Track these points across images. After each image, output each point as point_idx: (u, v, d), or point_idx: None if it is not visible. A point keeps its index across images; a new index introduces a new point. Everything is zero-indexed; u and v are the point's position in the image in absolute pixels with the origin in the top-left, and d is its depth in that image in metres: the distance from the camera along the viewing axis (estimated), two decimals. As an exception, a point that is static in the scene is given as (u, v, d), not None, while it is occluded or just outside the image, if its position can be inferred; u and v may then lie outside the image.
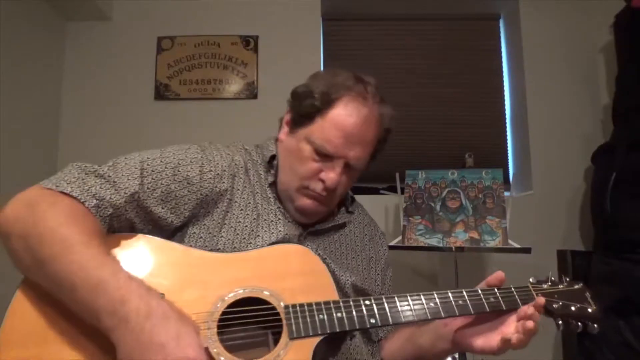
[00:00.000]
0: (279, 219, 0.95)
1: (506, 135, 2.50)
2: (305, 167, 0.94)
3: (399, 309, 0.82)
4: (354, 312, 0.80)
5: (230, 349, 0.73)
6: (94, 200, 0.78)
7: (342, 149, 0.93)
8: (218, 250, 0.87)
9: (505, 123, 2.50)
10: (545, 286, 0.90)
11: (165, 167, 0.88)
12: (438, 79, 2.52)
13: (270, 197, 0.98)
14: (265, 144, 1.05)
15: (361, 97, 0.95)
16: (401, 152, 2.47)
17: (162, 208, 0.86)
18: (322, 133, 0.93)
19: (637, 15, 1.95)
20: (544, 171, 2.27)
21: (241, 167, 0.97)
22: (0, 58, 1.87)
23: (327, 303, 0.80)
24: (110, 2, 2.38)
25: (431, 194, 1.93)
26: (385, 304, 0.82)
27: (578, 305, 0.86)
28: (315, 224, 1.01)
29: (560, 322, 0.84)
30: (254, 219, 0.93)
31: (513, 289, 0.87)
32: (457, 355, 1.66)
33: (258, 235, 0.90)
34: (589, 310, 0.86)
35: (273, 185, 0.99)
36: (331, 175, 0.93)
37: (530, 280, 0.91)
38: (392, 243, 1.90)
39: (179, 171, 0.88)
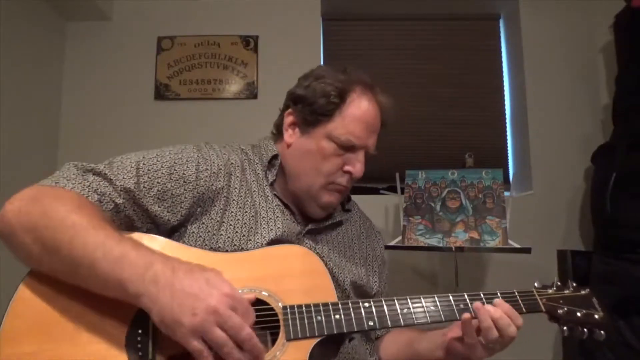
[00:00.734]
0: (277, 216, 0.95)
1: (506, 135, 2.50)
2: (330, 164, 0.97)
3: (399, 312, 0.82)
4: (353, 315, 0.80)
5: None
6: (96, 195, 0.81)
7: (365, 139, 0.98)
8: (218, 248, 0.88)
9: (505, 123, 2.50)
10: (550, 291, 0.89)
11: (162, 166, 0.89)
12: (438, 79, 2.52)
13: (268, 196, 0.98)
14: (262, 144, 1.06)
15: (368, 88, 1.00)
16: (401, 152, 2.47)
17: (159, 207, 0.87)
18: (346, 128, 0.96)
19: (637, 15, 1.95)
20: (544, 171, 2.27)
21: (237, 166, 0.98)
22: (0, 58, 1.87)
23: (325, 305, 0.80)
24: (110, 2, 2.38)
25: (431, 194, 1.93)
26: (385, 307, 0.82)
27: (584, 312, 0.84)
28: (314, 222, 1.02)
29: (565, 328, 0.83)
30: (252, 216, 0.93)
31: (517, 293, 0.87)
32: None
33: (257, 232, 0.91)
34: (596, 316, 0.85)
35: (273, 185, 1.00)
36: (358, 166, 0.98)
37: (535, 284, 0.90)
38: (392, 243, 1.90)
39: (175, 170, 0.89)
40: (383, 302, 0.83)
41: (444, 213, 1.88)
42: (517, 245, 1.72)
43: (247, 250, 0.88)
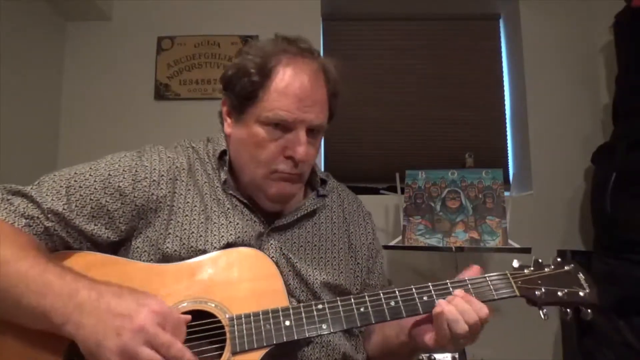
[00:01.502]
0: (230, 221, 0.87)
1: (506, 135, 2.49)
2: (266, 151, 0.86)
3: (355, 312, 0.75)
4: (304, 319, 0.74)
5: None
6: (24, 220, 0.77)
7: (298, 113, 0.84)
8: (166, 262, 0.82)
9: (505, 123, 2.50)
10: (527, 271, 0.80)
11: (95, 181, 0.82)
12: (438, 79, 2.52)
13: (220, 198, 0.90)
14: (216, 137, 0.97)
15: (299, 55, 0.87)
16: (401, 152, 2.47)
17: (95, 225, 0.81)
18: (272, 104, 0.84)
19: (637, 15, 1.95)
20: (544, 171, 2.27)
21: (183, 169, 0.90)
22: (0, 58, 1.87)
23: (275, 311, 0.74)
24: (110, 2, 2.38)
25: (431, 194, 1.93)
26: (340, 308, 0.76)
27: (566, 290, 0.76)
28: (280, 217, 0.93)
29: (544, 311, 0.76)
30: (202, 222, 0.85)
31: (488, 278, 0.79)
32: (457, 355, 1.66)
33: (207, 241, 0.84)
34: (580, 293, 0.76)
35: (226, 183, 0.91)
36: (298, 148, 0.84)
37: (514, 265, 0.82)
38: (392, 243, 1.90)
39: (109, 183, 0.83)
40: (338, 302, 0.76)
41: (444, 213, 1.88)
42: (517, 245, 1.72)
43: (197, 257, 0.82)
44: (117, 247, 0.86)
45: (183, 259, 0.82)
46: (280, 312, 0.74)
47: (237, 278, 0.79)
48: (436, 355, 1.65)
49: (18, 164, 1.95)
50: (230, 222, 0.87)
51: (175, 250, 0.82)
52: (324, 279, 0.91)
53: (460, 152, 2.33)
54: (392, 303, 0.77)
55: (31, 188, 0.81)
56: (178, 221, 0.85)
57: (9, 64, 1.91)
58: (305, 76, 0.86)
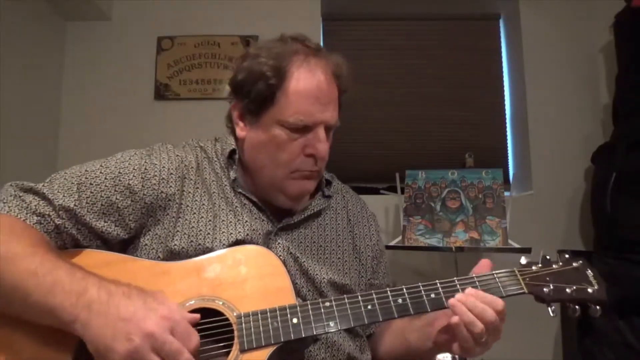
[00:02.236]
0: (239, 219, 0.88)
1: (506, 135, 2.49)
2: (288, 152, 0.87)
3: (362, 309, 0.75)
4: (312, 317, 0.74)
5: None
6: (35, 217, 0.77)
7: (318, 114, 0.86)
8: (174, 259, 0.82)
9: (505, 123, 2.50)
10: (534, 268, 0.79)
11: (105, 179, 0.83)
12: (438, 79, 2.52)
13: (229, 196, 0.91)
14: (224, 137, 0.98)
15: (310, 55, 0.89)
16: (401, 152, 2.47)
17: (105, 222, 0.82)
18: (292, 108, 0.85)
19: (637, 15, 1.95)
20: (544, 171, 2.27)
21: (192, 167, 0.91)
22: (0, 58, 1.87)
23: (282, 309, 0.74)
24: (110, 2, 2.38)
25: (431, 194, 1.93)
26: (347, 305, 0.75)
27: (575, 287, 0.75)
28: (286, 217, 0.94)
29: (553, 308, 0.75)
30: (210, 220, 0.86)
31: (495, 275, 0.78)
32: (457, 357, 1.66)
33: (215, 239, 0.84)
34: (589, 290, 0.75)
35: (235, 181, 0.92)
36: (319, 146, 0.86)
37: (522, 261, 0.81)
38: (392, 243, 1.90)
39: (120, 181, 0.84)
40: (346, 299, 0.76)
41: (444, 213, 1.88)
42: (517, 245, 1.73)
43: (204, 255, 0.82)
44: (126, 245, 0.86)
45: (191, 256, 0.82)
46: (288, 310, 0.74)
47: (245, 276, 0.79)
48: (436, 355, 1.64)
49: (18, 164, 1.95)
50: (238, 220, 0.88)
51: (183, 248, 0.83)
52: (330, 278, 0.92)
53: (460, 152, 2.33)
54: (400, 300, 0.76)
55: (43, 185, 0.81)
56: (186, 219, 0.86)
57: (9, 64, 1.91)
58: (321, 75, 0.87)
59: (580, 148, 2.25)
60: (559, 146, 2.28)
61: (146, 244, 0.84)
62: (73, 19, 2.35)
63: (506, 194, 1.91)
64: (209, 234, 0.85)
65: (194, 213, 0.87)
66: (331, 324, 0.74)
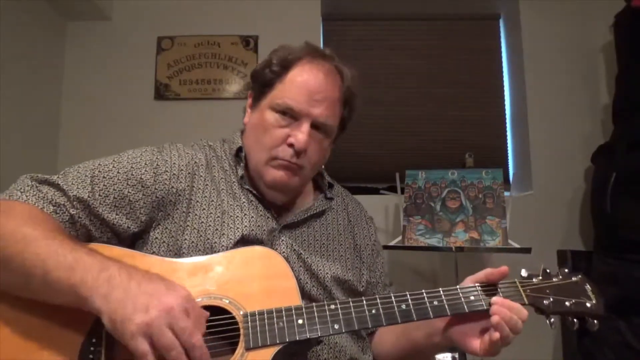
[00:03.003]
0: (245, 214, 0.90)
1: (506, 135, 2.50)
2: (271, 136, 0.90)
3: (366, 313, 0.76)
4: (317, 319, 0.75)
5: None
6: (51, 207, 0.79)
7: (306, 105, 0.89)
8: (182, 254, 0.84)
9: (505, 123, 2.50)
10: (535, 280, 0.81)
11: (118, 172, 0.86)
12: (438, 78, 2.52)
13: (236, 192, 0.93)
14: (231, 137, 1.02)
15: (319, 56, 0.95)
16: (401, 152, 2.47)
17: (117, 214, 0.84)
18: (284, 93, 0.91)
19: (637, 15, 1.95)
20: (544, 171, 2.27)
21: (202, 165, 0.93)
22: (0, 58, 1.87)
23: (288, 309, 0.75)
24: (110, 2, 2.38)
25: (431, 194, 1.93)
26: (352, 308, 0.76)
27: (574, 301, 0.78)
28: (291, 216, 0.97)
29: (552, 320, 0.77)
30: (218, 217, 0.88)
31: (498, 286, 0.81)
32: (457, 355, 1.66)
33: (223, 234, 0.86)
34: (587, 304, 0.77)
35: (243, 178, 0.95)
36: (299, 136, 0.88)
37: (522, 274, 0.83)
38: (392, 243, 1.90)
39: (132, 175, 0.86)
40: (350, 303, 0.77)
41: (444, 213, 1.88)
42: (517, 245, 1.73)
43: (212, 254, 0.84)
44: (136, 239, 0.88)
45: (200, 251, 0.84)
46: (294, 311, 0.75)
47: (251, 276, 0.80)
48: (436, 355, 1.65)
49: (18, 164, 1.95)
50: (245, 214, 0.90)
51: (192, 242, 0.85)
52: (334, 273, 0.94)
53: (460, 152, 2.33)
54: (403, 306, 0.78)
55: (57, 177, 0.83)
56: (196, 214, 0.88)
57: (9, 64, 1.91)
58: (320, 73, 0.92)
59: (580, 148, 2.25)
60: (559, 146, 2.28)
61: (156, 238, 0.86)
62: (73, 19, 2.35)
63: (506, 194, 1.91)
64: (217, 229, 0.87)
65: (204, 209, 0.89)
66: (335, 326, 0.75)
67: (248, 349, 0.72)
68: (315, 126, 0.91)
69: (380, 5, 2.53)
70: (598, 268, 1.87)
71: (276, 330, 0.73)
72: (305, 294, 0.89)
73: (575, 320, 0.77)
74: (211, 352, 0.71)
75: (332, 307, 0.76)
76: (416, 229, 1.88)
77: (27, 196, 0.79)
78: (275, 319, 0.74)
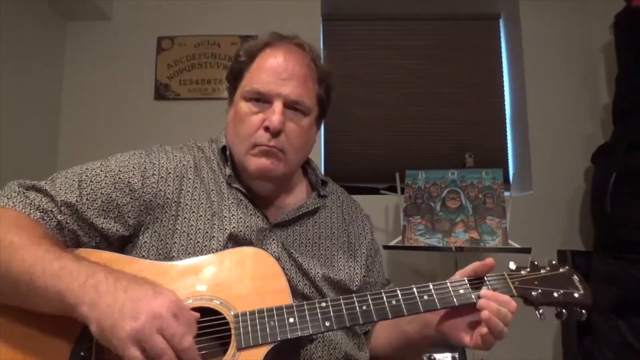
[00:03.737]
0: (233, 214, 0.89)
1: (506, 135, 2.50)
2: (248, 125, 0.90)
3: (357, 309, 0.76)
4: (308, 317, 0.75)
5: None
6: (38, 213, 0.79)
7: (274, 86, 0.89)
8: (172, 258, 0.83)
9: (505, 123, 2.50)
10: (523, 272, 0.82)
11: (106, 176, 0.86)
12: (438, 79, 2.52)
13: (225, 192, 0.93)
14: (217, 137, 1.02)
15: (285, 40, 0.95)
16: (401, 152, 2.47)
17: (105, 218, 0.84)
18: (252, 80, 0.91)
19: (637, 15, 1.95)
20: (544, 171, 2.27)
21: (190, 167, 0.93)
22: (0, 58, 1.87)
23: (279, 308, 0.75)
24: (110, 2, 2.38)
25: (431, 194, 1.93)
26: (343, 305, 0.77)
27: (562, 291, 0.79)
28: (282, 214, 0.96)
29: (541, 311, 0.78)
30: (208, 219, 0.88)
31: (486, 278, 0.81)
32: (457, 355, 1.66)
33: (213, 237, 0.86)
34: (575, 295, 0.78)
35: (231, 177, 0.94)
36: (272, 117, 0.88)
37: (510, 266, 0.84)
38: (392, 243, 1.90)
39: (120, 178, 0.86)
40: (341, 300, 0.77)
41: (444, 213, 1.88)
42: (517, 245, 1.73)
43: (202, 256, 0.83)
44: (125, 244, 0.87)
45: (189, 254, 0.84)
46: (285, 310, 0.75)
47: (242, 276, 0.80)
48: (436, 355, 1.65)
49: (18, 164, 1.95)
50: (233, 215, 0.89)
51: (182, 246, 0.85)
52: (324, 273, 0.93)
53: (460, 152, 2.34)
54: (394, 302, 0.78)
55: (45, 183, 0.83)
56: (185, 217, 0.87)
57: (9, 64, 1.91)
58: (283, 53, 0.92)
59: (580, 148, 2.25)
60: (559, 146, 2.28)
61: (145, 242, 0.86)
62: (73, 19, 2.35)
63: (506, 194, 1.91)
64: (207, 232, 0.87)
65: (193, 212, 0.88)
66: (327, 323, 0.75)
67: (239, 349, 0.72)
68: (289, 106, 0.90)
69: (380, 5, 2.53)
70: (598, 268, 1.87)
71: (267, 329, 0.73)
72: (297, 293, 0.89)
73: (564, 311, 0.78)
74: (203, 353, 0.71)
75: (323, 304, 0.77)
76: (416, 229, 1.88)
77: (14, 202, 0.79)
78: (266, 318, 0.74)
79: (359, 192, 2.28)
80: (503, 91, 2.52)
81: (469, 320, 0.80)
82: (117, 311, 0.63)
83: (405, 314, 0.77)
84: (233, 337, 0.72)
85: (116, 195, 0.85)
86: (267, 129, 0.88)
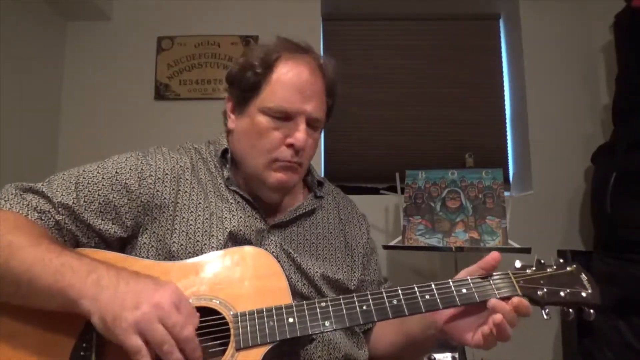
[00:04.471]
0: (233, 214, 0.90)
1: (506, 135, 2.49)
2: (268, 139, 0.90)
3: (357, 309, 0.76)
4: (307, 317, 0.74)
5: None
6: (36, 213, 0.80)
7: (299, 104, 0.89)
8: (172, 257, 0.84)
9: (505, 123, 2.50)
10: (529, 271, 0.80)
11: (103, 178, 0.86)
12: (438, 79, 2.52)
13: (224, 194, 0.93)
14: (217, 138, 1.02)
15: (299, 51, 0.94)
16: (401, 152, 2.47)
17: (102, 220, 0.84)
18: (275, 95, 0.89)
19: (637, 15, 1.95)
20: (544, 171, 2.27)
21: (187, 168, 0.93)
22: (0, 58, 1.87)
23: (278, 308, 0.75)
24: (110, 2, 2.38)
25: (431, 194, 1.93)
26: (343, 305, 0.76)
27: (568, 290, 0.76)
28: (279, 215, 0.97)
29: (547, 311, 0.76)
30: (207, 219, 0.89)
31: (490, 278, 0.80)
32: (457, 355, 1.66)
33: (212, 236, 0.87)
34: (583, 294, 0.76)
35: (229, 179, 0.95)
36: (298, 135, 0.89)
37: (516, 265, 0.82)
38: (392, 243, 1.90)
39: (117, 180, 0.86)
40: (341, 300, 0.77)
41: (444, 213, 1.88)
42: (517, 245, 1.73)
43: (202, 256, 0.83)
44: (124, 245, 0.88)
45: (189, 253, 0.84)
46: (284, 310, 0.75)
47: (242, 276, 0.80)
48: (436, 355, 1.65)
49: (18, 164, 1.95)
50: (233, 215, 0.90)
51: (181, 245, 0.85)
52: (323, 272, 0.94)
53: (460, 152, 2.33)
54: (395, 301, 0.77)
55: (42, 185, 0.84)
56: (183, 217, 0.88)
57: (9, 64, 1.91)
58: (305, 69, 0.91)
59: (580, 148, 2.25)
60: (559, 146, 2.28)
61: (144, 243, 0.86)
62: (73, 19, 2.35)
63: (506, 194, 1.91)
64: (205, 231, 0.87)
65: (191, 212, 0.89)
66: (326, 323, 0.74)
67: (238, 349, 0.71)
68: (308, 123, 0.92)
69: (380, 5, 2.53)
70: (598, 268, 1.87)
71: (267, 329, 0.73)
72: (296, 293, 0.89)
73: (570, 310, 0.76)
74: (202, 353, 0.70)
75: (323, 304, 0.76)
76: (416, 229, 1.88)
77: (11, 204, 0.79)
78: (265, 318, 0.74)
79: (359, 192, 2.28)
80: (503, 91, 2.52)
81: (473, 319, 0.79)
82: (119, 303, 0.64)
83: (407, 313, 0.77)
84: (232, 337, 0.72)
85: (113, 197, 0.85)
86: (290, 145, 0.89)
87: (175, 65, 2.35)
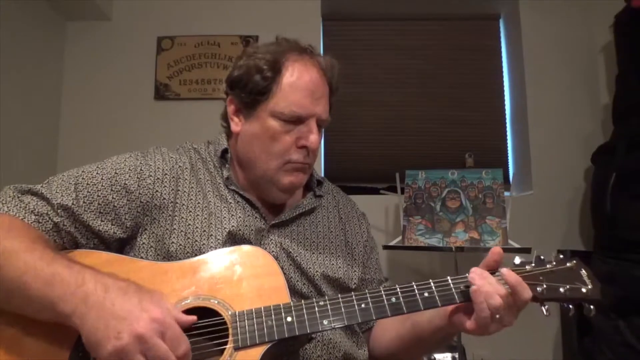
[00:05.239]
0: (232, 215, 0.90)
1: (506, 135, 2.50)
2: (281, 143, 0.90)
3: (356, 307, 0.76)
4: (306, 315, 0.74)
5: None
6: (33, 216, 0.79)
7: (311, 107, 0.90)
8: (170, 257, 0.84)
9: (505, 123, 2.50)
10: (528, 268, 0.79)
11: (102, 179, 0.86)
12: (438, 78, 2.52)
13: (223, 194, 0.93)
14: (216, 138, 1.01)
15: (304, 53, 0.94)
16: (401, 152, 2.47)
17: (102, 220, 0.84)
18: (287, 100, 0.89)
19: (637, 15, 1.95)
20: (544, 171, 2.27)
21: (186, 168, 0.93)
22: (0, 58, 1.87)
23: (277, 307, 0.75)
24: (110, 2, 2.38)
25: (431, 194, 1.93)
26: (341, 303, 0.76)
27: (568, 286, 0.76)
28: (279, 214, 0.97)
29: (546, 307, 0.75)
30: (205, 218, 0.88)
31: (489, 274, 0.78)
32: (457, 355, 1.66)
33: (211, 235, 0.86)
34: (583, 290, 0.75)
35: (229, 179, 0.95)
36: (312, 137, 0.90)
37: (515, 261, 0.81)
38: (392, 243, 1.90)
39: (116, 180, 0.86)
40: (340, 298, 0.77)
41: (444, 213, 1.88)
42: (517, 245, 1.73)
43: (201, 255, 0.83)
44: (123, 245, 0.88)
45: (187, 253, 0.84)
46: (282, 309, 0.75)
47: (240, 276, 0.80)
48: (436, 355, 1.65)
49: (18, 164, 1.95)
50: (232, 215, 0.90)
51: (180, 245, 0.85)
52: (323, 271, 0.94)
53: (460, 152, 2.33)
54: (393, 299, 0.77)
55: (41, 186, 0.83)
56: (182, 217, 0.88)
57: (9, 64, 1.91)
58: (314, 71, 0.92)
59: (580, 148, 2.25)
60: (559, 146, 2.28)
61: (144, 243, 0.86)
62: (73, 19, 2.35)
63: (506, 194, 1.91)
64: (204, 231, 0.87)
65: (190, 212, 0.89)
66: (325, 322, 0.74)
67: (237, 348, 0.71)
68: (317, 123, 0.92)
69: (380, 5, 2.53)
70: (598, 268, 1.87)
71: (265, 328, 0.73)
72: (295, 292, 0.89)
73: (571, 306, 0.76)
74: (200, 353, 0.71)
75: (321, 303, 0.76)
76: (416, 229, 1.88)
77: (8, 207, 0.79)
78: (263, 317, 0.74)
79: (359, 192, 2.28)
80: (503, 91, 2.52)
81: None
82: (102, 328, 0.64)
83: (405, 311, 0.77)
84: (230, 337, 0.72)
85: (112, 198, 0.85)
86: (303, 147, 0.90)
87: (175, 65, 2.35)
